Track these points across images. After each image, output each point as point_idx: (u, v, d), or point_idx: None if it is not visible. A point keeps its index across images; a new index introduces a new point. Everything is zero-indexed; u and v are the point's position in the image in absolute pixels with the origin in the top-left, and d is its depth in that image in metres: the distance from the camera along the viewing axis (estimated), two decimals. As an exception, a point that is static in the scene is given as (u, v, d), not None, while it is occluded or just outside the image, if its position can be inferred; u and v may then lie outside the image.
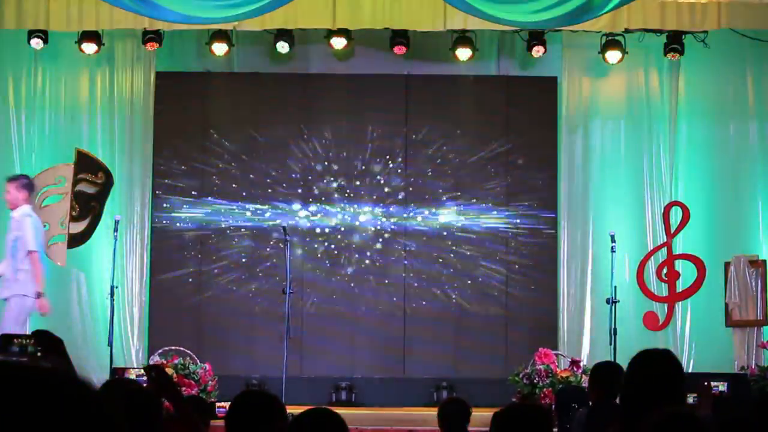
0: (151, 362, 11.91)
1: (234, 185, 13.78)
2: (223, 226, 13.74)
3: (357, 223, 13.79)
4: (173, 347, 12.42)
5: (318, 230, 13.78)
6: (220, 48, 13.16)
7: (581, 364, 12.04)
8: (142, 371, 11.08)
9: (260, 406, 4.27)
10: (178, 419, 4.58)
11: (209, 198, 13.77)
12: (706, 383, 10.04)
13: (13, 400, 1.41)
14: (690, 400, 8.79)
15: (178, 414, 4.62)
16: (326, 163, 13.83)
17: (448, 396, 11.31)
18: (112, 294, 12.22)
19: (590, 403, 6.58)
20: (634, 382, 4.02)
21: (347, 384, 12.83)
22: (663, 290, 13.25)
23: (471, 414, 6.43)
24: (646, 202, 13.54)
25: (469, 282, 13.67)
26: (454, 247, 13.73)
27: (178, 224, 13.74)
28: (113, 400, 1.50)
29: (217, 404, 10.57)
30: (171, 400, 4.69)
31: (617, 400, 5.10)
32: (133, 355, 13.18)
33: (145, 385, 10.06)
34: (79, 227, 12.85)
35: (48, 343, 3.55)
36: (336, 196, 13.81)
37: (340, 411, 11.71)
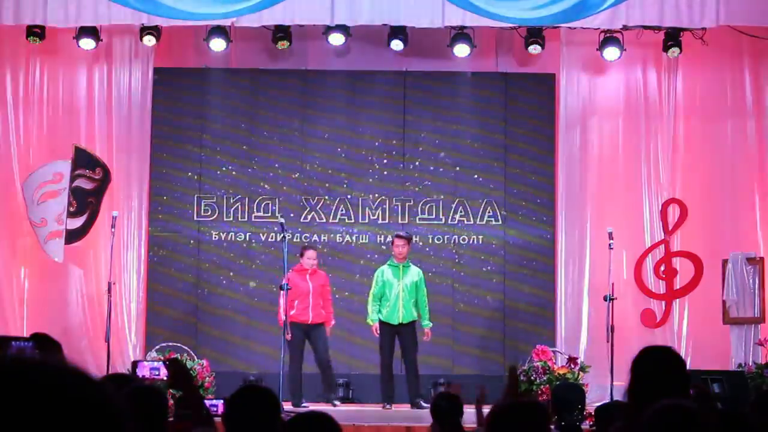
0: (148, 359, 11.91)
1: (232, 181, 13.78)
2: (221, 222, 13.74)
3: (355, 218, 13.79)
4: (170, 343, 12.43)
5: (316, 226, 13.78)
6: (218, 44, 13.15)
7: (578, 361, 12.06)
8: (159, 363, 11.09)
9: (259, 401, 4.28)
10: (188, 416, 4.61)
11: (207, 194, 13.77)
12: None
13: (23, 396, 1.41)
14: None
15: (191, 408, 4.66)
16: (324, 158, 13.84)
17: (440, 391, 11.30)
18: (109, 290, 12.23)
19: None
20: (638, 379, 4.03)
21: (345, 381, 12.84)
22: (661, 287, 13.26)
23: (463, 408, 6.42)
24: (643, 199, 13.54)
25: (467, 278, 13.67)
26: (451, 243, 13.74)
27: (175, 220, 13.73)
28: (120, 397, 1.51)
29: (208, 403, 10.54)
30: (186, 394, 4.74)
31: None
32: (130, 351, 13.18)
33: (160, 378, 10.05)
34: (76, 223, 12.86)
35: (46, 346, 3.56)
36: (334, 191, 13.81)
37: (338, 408, 11.70)
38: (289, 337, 11.97)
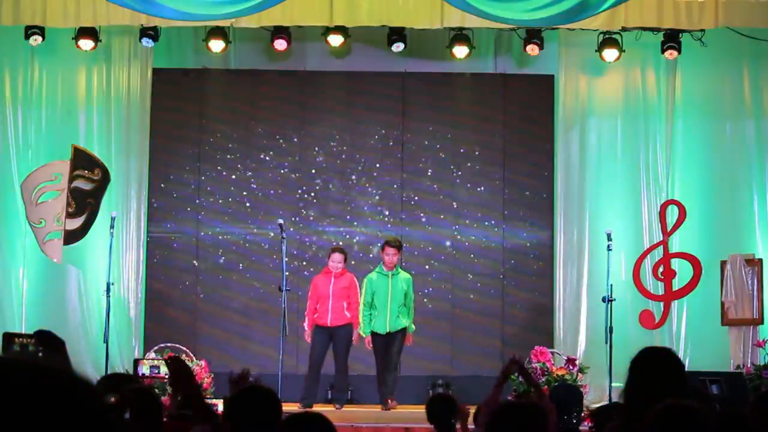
0: (146, 359, 11.91)
1: (230, 182, 13.78)
2: (220, 222, 13.74)
3: (353, 220, 13.79)
4: (169, 344, 12.42)
5: (315, 227, 13.78)
6: (217, 45, 13.15)
7: (577, 362, 12.05)
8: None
9: (260, 401, 4.28)
10: (187, 415, 4.62)
11: (205, 194, 13.77)
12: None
13: (8, 396, 1.41)
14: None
15: (192, 407, 4.66)
16: (323, 159, 13.84)
17: (434, 392, 11.31)
18: (108, 291, 12.22)
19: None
20: (636, 380, 4.03)
21: (343, 381, 12.83)
22: (659, 289, 13.25)
23: (459, 409, 6.41)
24: (642, 200, 13.53)
25: (465, 279, 13.67)
26: (449, 244, 13.74)
27: (174, 221, 13.73)
28: (106, 397, 1.51)
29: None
30: (187, 392, 4.73)
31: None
32: (129, 351, 13.15)
33: (160, 377, 10.02)
34: (75, 224, 12.84)
35: (50, 343, 3.56)
36: (333, 192, 13.82)
37: (336, 409, 11.60)
38: (308, 338, 12.07)
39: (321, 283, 12.21)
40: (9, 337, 7.92)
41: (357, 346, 12.27)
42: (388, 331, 12.08)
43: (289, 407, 10.95)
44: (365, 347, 12.23)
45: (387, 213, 13.77)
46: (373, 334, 12.12)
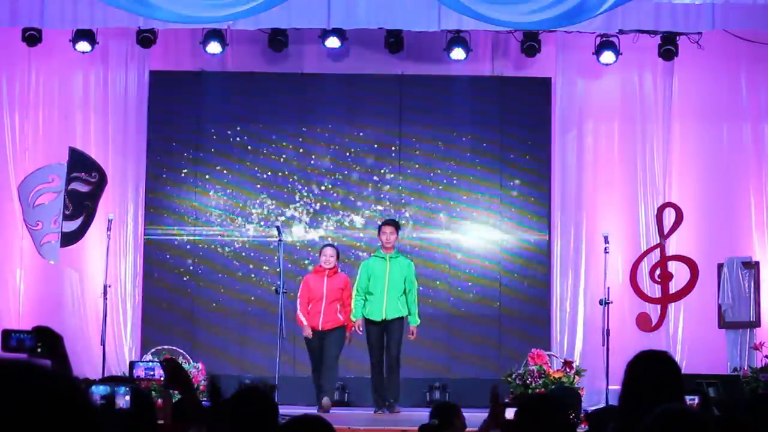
0: (143, 361, 11.90)
1: (227, 184, 13.78)
2: (216, 225, 13.74)
3: (351, 222, 13.79)
4: (166, 346, 12.41)
5: (312, 230, 13.78)
6: (214, 47, 13.16)
7: (574, 364, 12.05)
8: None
9: (257, 403, 4.28)
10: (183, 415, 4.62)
11: (202, 197, 13.77)
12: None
13: None
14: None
15: (188, 408, 4.66)
16: (320, 162, 13.84)
17: (440, 398, 11.30)
18: (105, 293, 12.22)
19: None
20: (632, 384, 4.03)
21: (340, 384, 12.81)
22: (656, 291, 13.26)
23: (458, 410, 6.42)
24: (639, 203, 13.54)
25: (463, 282, 13.67)
26: (447, 247, 13.74)
27: (171, 224, 13.73)
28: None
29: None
30: (183, 394, 4.73)
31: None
32: (125, 354, 13.16)
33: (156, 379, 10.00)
34: (72, 226, 12.84)
35: (48, 339, 3.54)
36: (330, 195, 13.82)
37: (333, 411, 11.64)
38: (309, 334, 11.96)
39: (314, 282, 12.05)
40: (6, 333, 7.93)
41: (348, 345, 12.16)
42: (384, 318, 11.74)
43: (286, 409, 10.93)
44: (358, 338, 12.08)
45: (384, 215, 13.76)
46: (368, 322, 11.85)
